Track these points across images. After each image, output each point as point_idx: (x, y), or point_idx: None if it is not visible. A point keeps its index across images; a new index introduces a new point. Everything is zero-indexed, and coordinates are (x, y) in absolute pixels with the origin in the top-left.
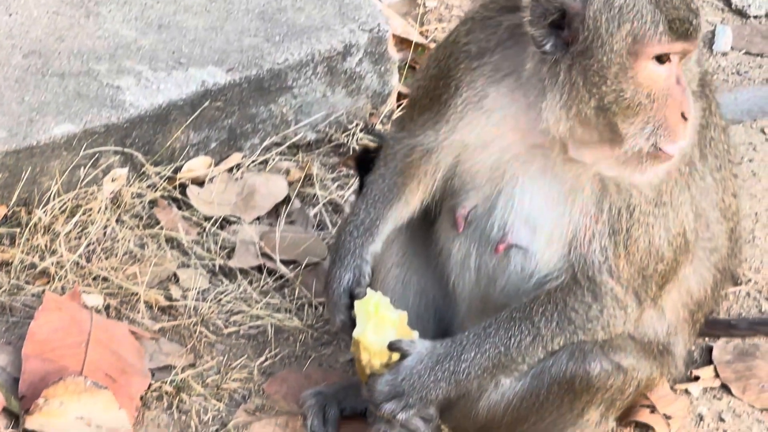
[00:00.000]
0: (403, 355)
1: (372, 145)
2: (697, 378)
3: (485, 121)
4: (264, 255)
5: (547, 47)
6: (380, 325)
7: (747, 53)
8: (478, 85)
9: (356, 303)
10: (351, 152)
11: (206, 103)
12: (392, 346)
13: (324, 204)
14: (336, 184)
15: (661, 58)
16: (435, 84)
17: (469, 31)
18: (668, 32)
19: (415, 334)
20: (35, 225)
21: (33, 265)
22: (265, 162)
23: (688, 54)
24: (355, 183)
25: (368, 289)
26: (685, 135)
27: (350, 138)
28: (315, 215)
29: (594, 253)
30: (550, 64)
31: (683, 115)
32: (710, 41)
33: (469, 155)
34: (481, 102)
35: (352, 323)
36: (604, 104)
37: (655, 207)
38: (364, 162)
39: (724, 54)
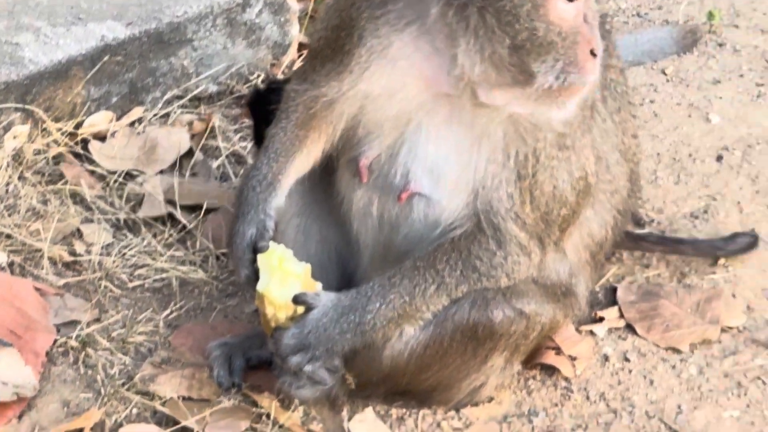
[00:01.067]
0: (308, 308)
1: (262, 86)
2: (601, 319)
3: (390, 70)
4: (169, 206)
5: None
6: (284, 278)
7: None
8: (381, 33)
9: (259, 257)
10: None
11: (106, 58)
12: (297, 299)
13: (227, 156)
14: (239, 135)
15: None
16: (337, 34)
17: None
18: None
19: (319, 286)
20: None
21: None
22: (167, 115)
23: None
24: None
25: (271, 243)
26: (595, 71)
27: (252, 89)
28: (218, 167)
29: (500, 200)
30: (456, 8)
31: (592, 52)
32: None
33: (373, 105)
34: (385, 51)
35: (256, 277)
36: (517, 43)
37: (559, 151)
38: (257, 104)
39: None
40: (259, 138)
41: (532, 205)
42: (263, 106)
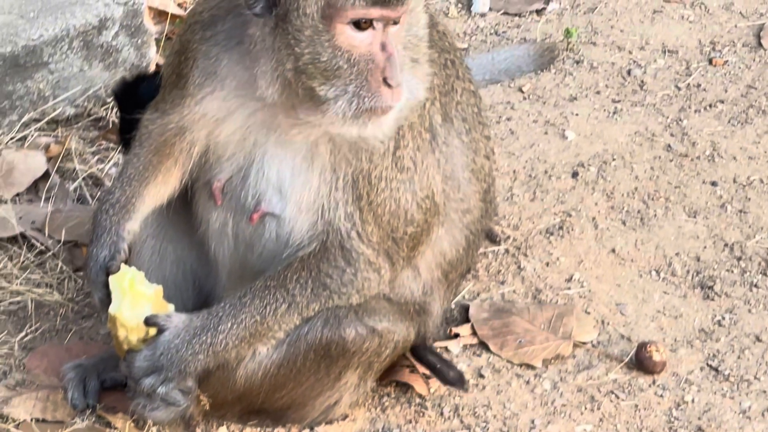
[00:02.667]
0: (160, 330)
1: (129, 77)
2: (456, 336)
3: (222, 92)
4: (25, 229)
5: (257, 9)
6: (136, 300)
7: (505, 13)
8: (212, 54)
9: (110, 279)
10: (110, 126)
11: None
12: (148, 321)
13: (84, 178)
14: (96, 157)
15: (361, 24)
16: (179, 59)
17: (204, 0)
18: None
19: (171, 307)
20: None
21: None
22: (24, 138)
23: (392, 20)
24: (115, 155)
25: (123, 265)
26: (394, 98)
27: (109, 111)
28: (75, 189)
29: (340, 219)
30: (261, 27)
31: (386, 81)
32: (469, 2)
33: (217, 127)
34: (216, 71)
35: (109, 299)
36: (299, 66)
37: (399, 172)
38: (124, 95)
39: (483, 15)
40: (124, 130)
41: (375, 223)
42: (130, 97)
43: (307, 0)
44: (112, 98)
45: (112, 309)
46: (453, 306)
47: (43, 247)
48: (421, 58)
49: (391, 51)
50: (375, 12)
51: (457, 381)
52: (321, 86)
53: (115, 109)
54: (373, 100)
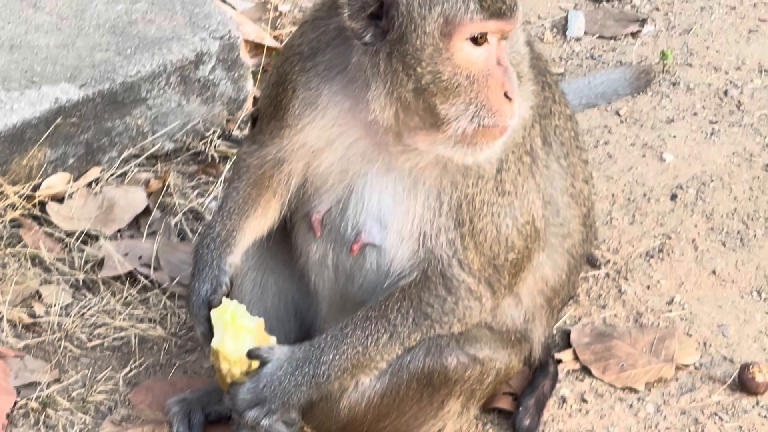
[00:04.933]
0: (263, 362)
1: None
2: (558, 361)
3: (323, 121)
4: (134, 267)
5: (367, 38)
6: (238, 333)
7: (600, 37)
8: (312, 85)
9: (212, 312)
10: (209, 159)
11: (60, 120)
12: (251, 354)
13: (184, 213)
14: (196, 192)
15: (477, 39)
16: (276, 91)
17: (302, 33)
18: (480, 11)
19: (273, 339)
20: None
21: None
22: (124, 174)
23: (506, 33)
24: (215, 189)
25: (224, 299)
26: (512, 114)
27: (208, 146)
28: (176, 224)
29: (441, 247)
30: (372, 54)
31: (506, 95)
32: (564, 27)
33: (316, 158)
34: (316, 101)
35: (212, 333)
36: (421, 86)
37: (500, 196)
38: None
39: (578, 39)
40: None
41: (476, 250)
42: None
43: (426, 19)
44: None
45: (215, 343)
46: (554, 331)
47: (147, 282)
48: (524, 75)
49: (505, 65)
50: (491, 25)
51: (522, 430)
52: (443, 105)
53: (213, 144)
54: (494, 118)
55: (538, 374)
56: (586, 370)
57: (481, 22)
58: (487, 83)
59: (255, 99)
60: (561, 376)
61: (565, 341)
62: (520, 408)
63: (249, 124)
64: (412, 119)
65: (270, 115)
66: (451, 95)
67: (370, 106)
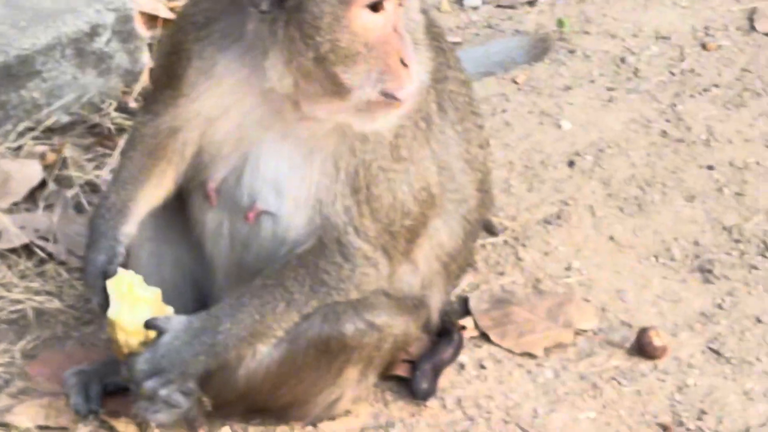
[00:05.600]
0: (160, 333)
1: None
2: (462, 328)
3: (219, 90)
4: (31, 239)
5: (264, 6)
6: (135, 304)
7: (497, 6)
8: (207, 54)
9: (108, 283)
10: (106, 132)
11: None
12: (148, 324)
13: (81, 185)
14: (92, 164)
15: (375, 6)
16: (170, 60)
17: (196, 2)
18: None
19: (170, 309)
20: None
21: None
22: (20, 147)
23: (403, 1)
24: (112, 161)
25: (121, 269)
26: (411, 80)
27: (104, 118)
28: (72, 197)
29: (338, 214)
30: (269, 23)
31: (403, 62)
32: None
33: (212, 127)
34: (212, 70)
35: (108, 304)
36: (321, 55)
37: (395, 163)
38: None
39: (475, 8)
40: None
41: (372, 217)
42: None
43: None
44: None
45: (111, 313)
46: (453, 299)
47: (43, 255)
48: (419, 41)
49: (402, 32)
50: None
51: (420, 393)
52: (343, 73)
53: (110, 116)
54: (393, 83)
55: (440, 341)
56: (484, 336)
57: None
58: (384, 50)
59: (151, 71)
60: None
61: (464, 308)
62: (417, 372)
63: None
64: (312, 87)
65: (164, 84)
66: (351, 63)
67: (268, 74)
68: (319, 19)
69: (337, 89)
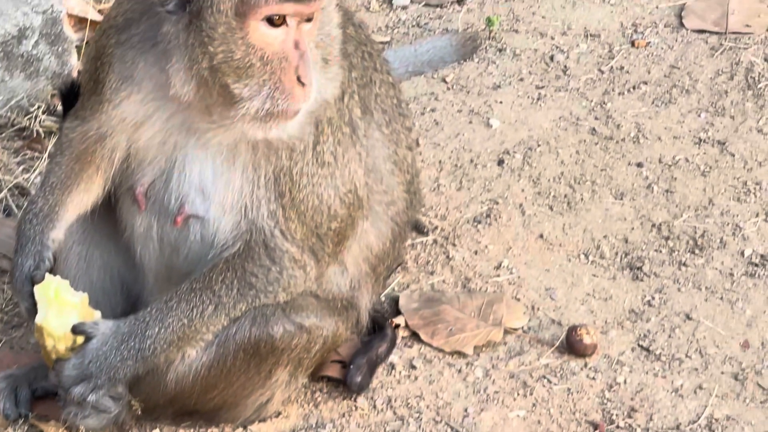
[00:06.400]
0: (88, 338)
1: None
2: (396, 326)
3: (139, 95)
4: None
5: (170, 6)
6: (62, 309)
7: (426, 5)
8: (128, 58)
9: (35, 289)
10: (34, 135)
11: None
12: (75, 330)
13: (10, 188)
14: (21, 167)
15: (274, 21)
16: (95, 65)
17: (118, 4)
18: None
19: (98, 314)
20: None
21: None
22: None
23: (306, 16)
24: (41, 165)
25: (48, 275)
26: (305, 98)
27: (33, 121)
28: (1, 200)
29: (263, 218)
30: (175, 25)
31: (299, 79)
32: None
33: (136, 132)
34: (132, 75)
35: (36, 309)
36: (214, 65)
37: (320, 167)
38: (69, 97)
39: (404, 7)
40: None
41: (298, 220)
42: (76, 97)
43: None
44: (57, 96)
45: (39, 319)
46: (383, 298)
47: None
48: (332, 58)
49: (303, 49)
50: (288, 8)
51: (354, 386)
52: (235, 84)
53: (38, 119)
54: (285, 101)
55: (373, 337)
56: (414, 336)
57: (277, 4)
58: (281, 66)
59: (79, 73)
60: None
61: (394, 308)
62: (351, 366)
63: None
64: (210, 95)
65: (90, 90)
66: (244, 75)
67: (171, 79)
68: (213, 29)
69: (230, 99)
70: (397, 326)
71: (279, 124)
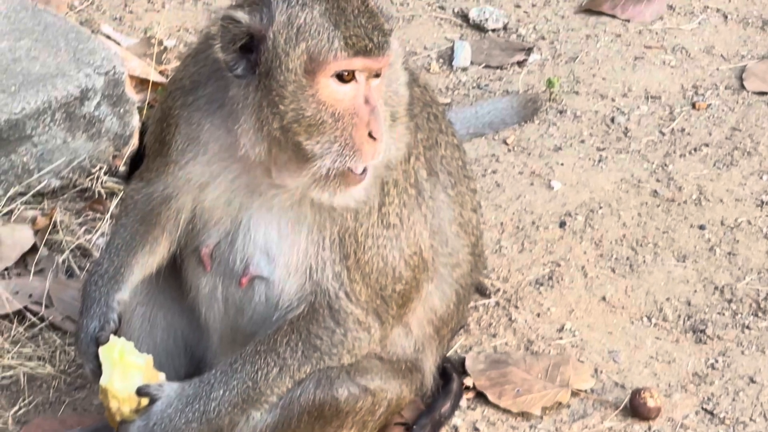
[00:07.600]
0: (152, 400)
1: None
2: (463, 382)
3: (205, 156)
4: (24, 305)
5: (239, 71)
6: (126, 371)
7: (486, 66)
8: (194, 120)
9: (100, 350)
10: (96, 196)
11: None
12: (140, 392)
13: (72, 250)
14: (83, 228)
15: (343, 77)
16: (160, 127)
17: (185, 67)
18: (345, 49)
19: (162, 376)
20: None
21: None
22: (11, 212)
23: (375, 71)
24: (102, 225)
25: (113, 336)
26: (375, 154)
27: (95, 182)
28: (63, 261)
29: (328, 279)
30: (244, 88)
31: (371, 135)
32: (450, 57)
33: (202, 193)
34: (198, 136)
35: (100, 371)
36: (285, 124)
37: (385, 229)
38: (134, 159)
39: (464, 69)
40: None
41: (363, 282)
42: (141, 159)
43: (289, 55)
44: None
45: (103, 381)
46: (445, 363)
47: (35, 320)
48: (399, 116)
49: (373, 104)
50: (357, 63)
51: None
52: (307, 141)
53: (100, 180)
54: (357, 157)
55: (437, 398)
56: (478, 398)
57: (346, 59)
58: (352, 121)
59: (142, 135)
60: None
61: (460, 369)
62: (415, 427)
63: (128, 162)
64: (283, 155)
65: (156, 151)
66: (316, 132)
67: (240, 141)
68: (284, 88)
69: (303, 158)
70: (467, 388)
71: (347, 188)
